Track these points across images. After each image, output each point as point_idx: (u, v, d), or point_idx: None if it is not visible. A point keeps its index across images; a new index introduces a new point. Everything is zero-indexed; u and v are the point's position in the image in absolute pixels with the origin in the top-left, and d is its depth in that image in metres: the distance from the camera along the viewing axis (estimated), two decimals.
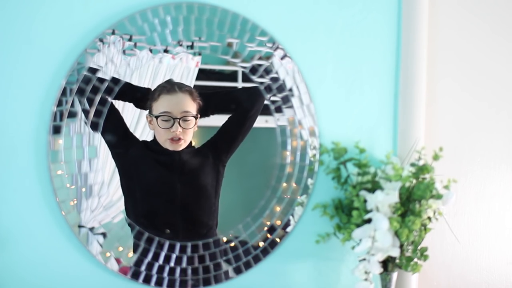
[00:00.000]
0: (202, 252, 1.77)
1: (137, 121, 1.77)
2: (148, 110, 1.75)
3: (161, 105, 1.74)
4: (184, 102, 1.74)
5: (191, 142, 1.79)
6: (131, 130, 1.76)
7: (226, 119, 1.80)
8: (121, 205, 1.75)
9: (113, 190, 1.74)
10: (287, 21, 1.83)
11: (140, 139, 1.76)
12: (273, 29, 1.81)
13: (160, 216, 1.78)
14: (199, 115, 1.76)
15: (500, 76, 2.09)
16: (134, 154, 1.75)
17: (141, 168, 1.76)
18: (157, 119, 1.73)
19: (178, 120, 1.73)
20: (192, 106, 1.75)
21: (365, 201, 1.72)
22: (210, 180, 1.80)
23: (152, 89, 1.75)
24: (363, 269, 1.71)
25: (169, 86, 1.74)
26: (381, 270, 1.71)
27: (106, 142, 1.71)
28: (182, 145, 1.76)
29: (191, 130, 1.76)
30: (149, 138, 1.78)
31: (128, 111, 1.76)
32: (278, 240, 1.84)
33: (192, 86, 1.78)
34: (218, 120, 1.83)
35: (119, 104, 1.73)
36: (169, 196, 1.77)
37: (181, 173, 1.78)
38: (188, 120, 1.74)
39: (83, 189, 1.70)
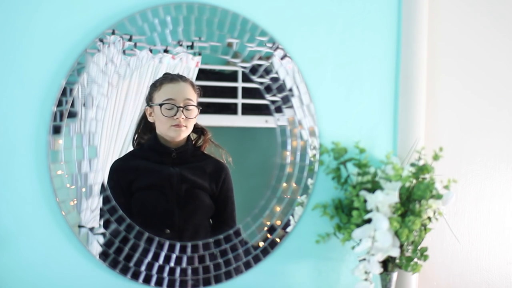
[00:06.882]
0: (202, 252, 1.77)
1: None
2: (147, 104, 1.76)
3: (164, 93, 1.75)
4: (187, 90, 1.76)
5: (203, 149, 1.80)
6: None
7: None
8: None
9: None
10: (287, 21, 1.83)
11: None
12: (273, 29, 1.81)
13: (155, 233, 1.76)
14: (200, 107, 1.77)
15: (501, 75, 2.08)
16: (133, 193, 1.76)
17: (140, 199, 1.76)
18: (160, 107, 1.74)
19: (182, 108, 1.74)
20: (193, 95, 1.77)
21: (365, 201, 1.71)
22: (208, 200, 1.80)
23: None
24: (363, 269, 1.71)
25: (171, 76, 1.76)
26: (381, 270, 1.71)
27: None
28: (184, 132, 1.76)
29: (194, 120, 1.77)
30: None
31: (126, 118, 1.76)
32: (278, 240, 1.84)
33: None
34: (218, 120, 1.84)
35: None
36: (167, 218, 1.77)
37: (179, 194, 1.76)
38: (190, 109, 1.75)
39: (83, 189, 1.70)
